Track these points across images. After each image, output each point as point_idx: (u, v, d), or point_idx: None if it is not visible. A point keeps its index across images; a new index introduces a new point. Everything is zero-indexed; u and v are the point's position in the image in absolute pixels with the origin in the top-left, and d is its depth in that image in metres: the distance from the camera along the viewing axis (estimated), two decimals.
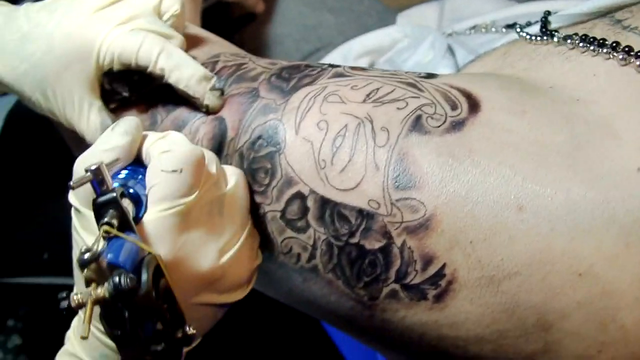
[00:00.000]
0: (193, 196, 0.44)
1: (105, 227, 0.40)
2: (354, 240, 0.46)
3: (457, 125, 0.46)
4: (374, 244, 0.46)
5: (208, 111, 0.53)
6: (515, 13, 0.82)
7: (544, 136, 0.44)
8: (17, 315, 0.91)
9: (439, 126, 0.46)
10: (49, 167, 0.80)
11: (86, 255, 0.37)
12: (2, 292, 0.87)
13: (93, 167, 0.41)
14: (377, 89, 0.49)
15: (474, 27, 0.84)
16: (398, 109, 0.47)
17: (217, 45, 0.61)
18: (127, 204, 0.43)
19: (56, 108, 0.54)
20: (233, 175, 0.49)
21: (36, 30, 0.53)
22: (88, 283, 0.38)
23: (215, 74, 0.55)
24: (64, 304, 0.37)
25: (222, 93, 0.53)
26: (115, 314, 0.39)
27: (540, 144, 0.44)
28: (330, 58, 0.90)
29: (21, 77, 0.54)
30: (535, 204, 0.42)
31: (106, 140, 0.46)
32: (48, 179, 0.79)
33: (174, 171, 0.44)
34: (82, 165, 0.45)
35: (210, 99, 0.53)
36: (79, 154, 0.64)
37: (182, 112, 0.54)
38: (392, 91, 0.49)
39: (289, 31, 0.95)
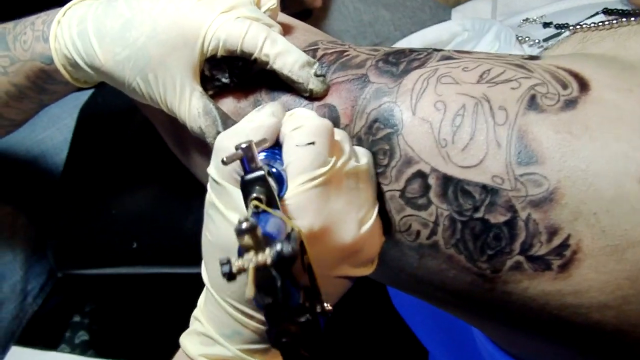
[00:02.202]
0: (329, 165, 0.46)
1: (255, 202, 0.41)
2: (478, 214, 0.48)
3: (571, 104, 0.47)
4: (498, 217, 0.47)
5: (312, 96, 0.55)
6: (563, 7, 0.84)
7: None
8: (82, 312, 0.92)
9: (553, 105, 0.48)
10: (126, 162, 0.82)
11: (244, 225, 0.38)
12: (69, 288, 0.88)
13: (244, 145, 0.42)
14: (489, 70, 0.51)
15: (526, 20, 0.86)
16: (512, 88, 0.49)
17: (313, 34, 0.62)
18: (271, 182, 0.44)
19: (157, 93, 0.55)
20: (365, 155, 0.51)
21: (140, 16, 0.54)
22: (246, 250, 0.39)
23: (317, 61, 0.56)
24: (226, 268, 0.38)
25: (325, 78, 0.55)
26: (267, 283, 0.40)
27: None
28: None
29: (123, 63, 0.55)
30: None
31: (253, 119, 0.48)
32: (128, 171, 0.81)
33: (308, 144, 0.46)
34: (226, 140, 0.46)
35: (314, 84, 0.54)
36: (176, 146, 0.66)
37: (287, 99, 0.56)
38: (503, 72, 0.50)
39: (346, 27, 0.96)
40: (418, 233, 0.50)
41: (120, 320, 0.94)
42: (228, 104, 0.58)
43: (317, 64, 0.55)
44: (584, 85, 0.48)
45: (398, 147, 0.50)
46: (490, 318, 0.55)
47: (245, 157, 0.43)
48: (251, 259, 0.38)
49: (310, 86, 0.54)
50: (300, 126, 0.47)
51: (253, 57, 0.54)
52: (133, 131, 0.79)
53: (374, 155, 0.51)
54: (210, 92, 0.58)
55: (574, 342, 0.50)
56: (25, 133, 0.88)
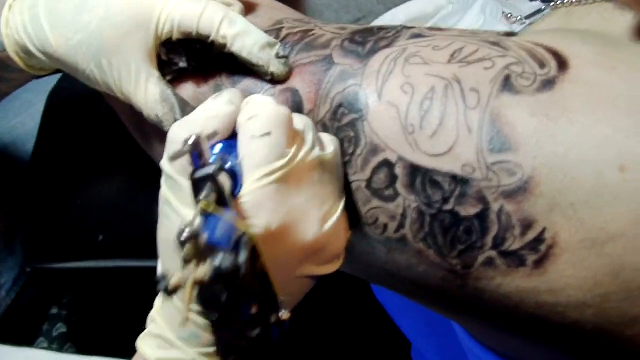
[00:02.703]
0: (288, 157, 0.43)
1: (203, 204, 0.38)
2: (448, 207, 0.45)
3: (548, 84, 0.44)
4: (469, 210, 0.44)
5: (273, 79, 0.51)
6: None
7: (639, 93, 0.42)
8: (60, 304, 0.90)
9: (529, 85, 0.44)
10: (96, 147, 0.79)
11: (185, 233, 0.35)
12: (45, 281, 0.86)
13: (193, 139, 0.39)
14: (461, 48, 0.47)
15: None
16: (485, 68, 0.45)
17: (279, 11, 0.59)
18: (225, 179, 0.41)
19: (112, 80, 0.52)
20: (331, 143, 0.47)
21: None
22: (186, 261, 0.37)
23: (280, 41, 0.53)
24: (162, 285, 0.35)
25: (288, 60, 0.51)
26: (212, 296, 0.37)
27: (637, 100, 0.42)
28: None
29: (76, 48, 0.51)
30: (638, 164, 0.41)
31: (209, 108, 0.45)
32: (96, 160, 0.78)
33: (264, 135, 0.43)
34: (180, 131, 0.43)
35: (275, 66, 0.50)
36: (138, 134, 0.62)
37: (249, 84, 0.52)
38: (477, 50, 0.47)
39: (328, 1, 0.93)
40: (385, 226, 0.47)
41: (99, 312, 0.92)
42: (187, 89, 0.54)
43: (279, 44, 0.52)
44: (563, 64, 0.45)
45: (363, 134, 0.47)
46: (465, 314, 0.52)
47: (195, 151, 0.39)
48: (189, 275, 0.35)
49: (271, 69, 0.50)
50: (255, 115, 0.44)
51: (210, 40, 0.50)
52: (102, 117, 0.76)
53: (340, 143, 0.48)
54: (169, 78, 0.54)
55: (553, 341, 0.47)
56: None
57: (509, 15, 0.74)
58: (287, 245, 0.43)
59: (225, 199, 0.39)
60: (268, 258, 0.40)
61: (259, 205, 0.42)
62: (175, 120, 0.51)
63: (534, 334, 0.47)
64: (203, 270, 0.35)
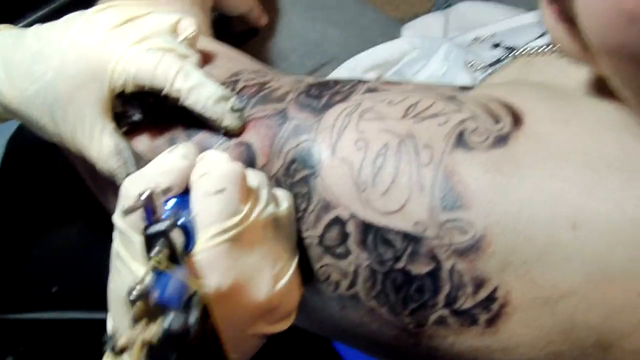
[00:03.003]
0: (241, 215, 0.42)
1: (154, 261, 0.37)
2: (400, 265, 0.44)
3: (502, 140, 0.44)
4: (421, 268, 0.43)
5: (228, 133, 0.50)
6: (514, 25, 0.81)
7: (593, 148, 0.42)
8: (16, 352, 0.88)
9: (483, 141, 0.44)
10: (54, 195, 0.77)
11: (135, 291, 0.34)
12: (4, 329, 0.84)
13: (146, 194, 0.39)
14: (416, 103, 0.47)
15: (476, 39, 0.82)
16: (439, 124, 0.45)
17: (237, 62, 0.58)
18: (177, 235, 0.40)
19: (65, 132, 0.51)
20: (285, 199, 0.46)
21: (48, 48, 0.50)
22: (135, 320, 0.36)
23: (237, 94, 0.52)
24: (109, 345, 0.34)
25: (242, 114, 0.51)
26: (161, 356, 0.36)
27: (590, 155, 0.42)
28: (336, 73, 0.88)
29: (31, 99, 0.51)
30: (590, 222, 0.40)
31: (162, 162, 0.44)
32: (53, 209, 0.77)
33: (217, 192, 0.42)
34: (132, 186, 0.42)
35: (229, 120, 0.50)
36: (93, 185, 0.61)
37: (204, 137, 0.52)
38: (432, 105, 0.47)
39: (293, 46, 0.92)
40: (337, 283, 0.47)
41: None
42: (143, 142, 0.54)
43: (234, 97, 0.51)
44: (517, 118, 0.45)
45: (316, 191, 0.46)
46: None
47: (148, 206, 0.39)
48: (137, 335, 0.35)
49: (225, 122, 0.50)
50: (207, 172, 0.43)
51: (164, 93, 0.50)
52: (59, 166, 0.75)
53: (294, 198, 0.47)
54: (124, 129, 0.53)
55: None
56: None
57: (472, 63, 0.74)
58: (239, 305, 0.42)
59: (177, 256, 0.38)
60: (219, 318, 0.39)
61: (211, 264, 0.41)
62: (128, 173, 0.50)
63: None
64: (152, 331, 0.34)
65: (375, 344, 0.49)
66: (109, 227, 0.44)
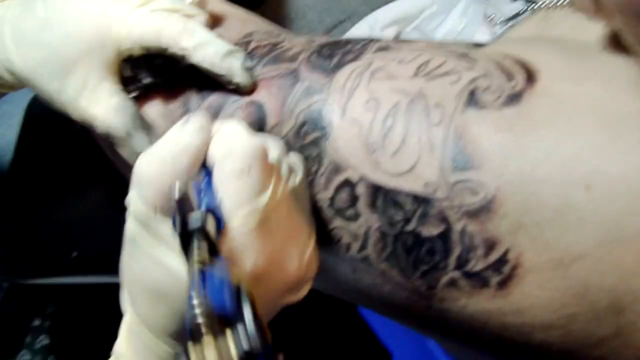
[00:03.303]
0: (268, 195, 0.40)
1: (199, 261, 0.35)
2: (410, 227, 0.43)
3: (515, 98, 0.43)
4: (431, 230, 0.43)
5: (239, 90, 0.50)
6: None
7: (611, 105, 0.41)
8: (43, 315, 0.89)
9: (495, 100, 0.43)
10: (72, 162, 0.78)
11: (197, 311, 0.31)
12: (28, 292, 0.86)
13: (180, 192, 0.37)
14: (427, 61, 0.46)
15: None
16: (451, 83, 0.44)
17: (249, 23, 0.57)
18: (211, 225, 0.38)
19: (69, 99, 0.50)
20: (300, 167, 0.45)
21: (54, 15, 0.50)
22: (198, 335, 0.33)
23: (249, 54, 0.52)
24: None
25: (253, 70, 0.50)
26: None
27: (605, 114, 0.41)
28: (356, 29, 0.86)
29: (39, 67, 0.50)
30: (604, 183, 0.39)
31: (178, 140, 0.41)
32: (72, 175, 0.77)
33: (242, 172, 0.40)
34: (147, 166, 0.40)
35: (239, 76, 0.49)
36: (107, 149, 0.61)
37: (216, 97, 0.51)
38: (443, 63, 0.46)
39: (312, 3, 0.91)
40: (349, 246, 0.46)
41: (81, 324, 0.91)
42: (155, 107, 0.53)
43: (243, 52, 0.50)
44: (531, 76, 0.44)
45: (326, 153, 0.46)
46: (434, 333, 0.51)
47: (181, 204, 0.37)
48: (211, 353, 0.32)
49: (236, 79, 0.49)
50: (230, 152, 0.41)
51: (170, 52, 0.49)
52: (78, 130, 0.75)
53: (305, 161, 0.47)
54: (135, 94, 0.53)
55: None
56: None
57: (491, 17, 0.72)
58: (272, 283, 0.41)
59: (215, 249, 0.37)
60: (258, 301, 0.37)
61: (245, 247, 0.39)
62: (128, 132, 0.50)
63: (500, 353, 0.46)
64: (227, 349, 0.32)
65: (388, 306, 0.49)
66: (124, 193, 0.43)
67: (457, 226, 0.42)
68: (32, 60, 0.50)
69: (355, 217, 0.45)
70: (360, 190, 0.44)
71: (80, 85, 0.50)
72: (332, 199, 0.46)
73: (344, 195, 0.45)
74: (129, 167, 0.54)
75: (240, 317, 0.33)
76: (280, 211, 0.42)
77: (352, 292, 0.51)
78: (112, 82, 0.51)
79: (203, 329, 0.32)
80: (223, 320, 0.32)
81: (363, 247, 0.46)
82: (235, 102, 0.50)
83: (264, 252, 0.40)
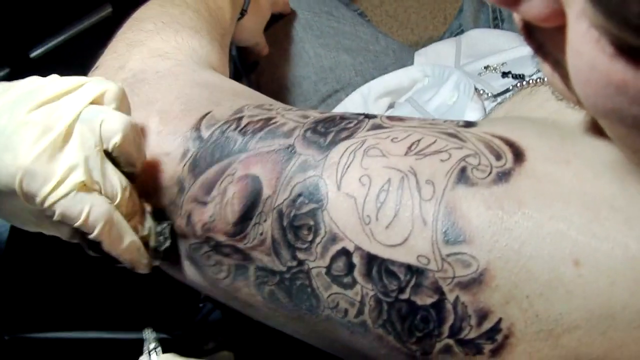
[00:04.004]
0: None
1: None
2: (404, 296, 0.45)
3: (504, 176, 0.45)
4: (425, 299, 0.45)
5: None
6: (525, 53, 0.82)
7: (593, 189, 0.43)
8: None
9: (485, 177, 0.45)
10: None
11: None
12: (27, 349, 0.86)
13: None
14: (418, 140, 0.48)
15: (487, 67, 0.84)
16: (442, 160, 0.46)
17: (241, 97, 0.60)
18: None
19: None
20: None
21: None
22: None
23: (241, 130, 0.53)
24: None
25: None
26: None
27: (590, 196, 0.43)
28: (349, 99, 0.89)
29: None
30: (592, 259, 0.41)
31: None
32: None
33: None
34: None
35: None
36: None
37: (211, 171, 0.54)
38: (434, 142, 0.48)
39: (306, 73, 0.94)
40: (346, 311, 0.48)
41: None
42: (157, 185, 0.56)
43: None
44: (519, 156, 0.46)
45: (323, 223, 0.47)
46: None
47: None
48: None
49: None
50: None
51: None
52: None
53: (298, 230, 0.48)
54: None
55: None
56: None
57: (482, 92, 0.76)
58: None
59: None
60: None
61: None
62: None
63: None
64: None
65: None
66: None
67: (451, 296, 0.44)
68: None
69: (352, 284, 0.47)
70: (356, 259, 0.46)
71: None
72: (329, 267, 0.47)
73: (340, 263, 0.47)
74: None
75: None
76: None
77: (347, 351, 0.52)
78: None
79: None
80: None
81: (360, 312, 0.47)
82: (229, 176, 0.52)
83: None
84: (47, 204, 0.47)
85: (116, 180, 0.50)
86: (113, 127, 0.49)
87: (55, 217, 0.47)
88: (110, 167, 0.50)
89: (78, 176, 0.47)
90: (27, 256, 0.80)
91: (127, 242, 0.50)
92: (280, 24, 0.97)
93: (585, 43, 0.32)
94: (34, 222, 0.52)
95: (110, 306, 0.72)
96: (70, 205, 0.47)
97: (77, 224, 0.48)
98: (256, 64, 0.96)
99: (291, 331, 0.56)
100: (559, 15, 0.33)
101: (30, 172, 0.46)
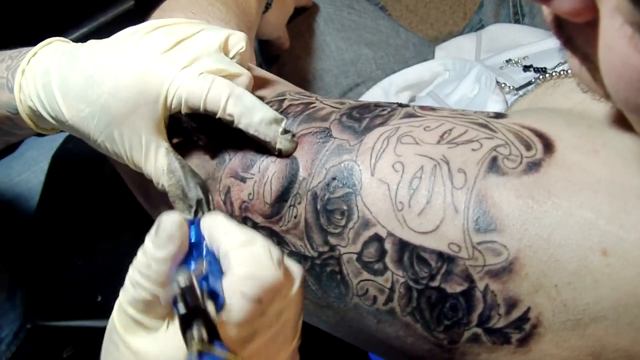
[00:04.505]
0: (264, 319, 0.43)
1: (198, 346, 0.38)
2: (434, 283, 0.46)
3: (534, 166, 0.45)
4: (455, 287, 0.45)
5: (280, 154, 0.52)
6: (546, 47, 0.82)
7: (621, 178, 0.44)
8: (60, 357, 0.90)
9: (515, 167, 0.46)
10: (98, 209, 0.80)
11: None
12: (47, 334, 0.87)
13: (183, 283, 0.40)
14: (450, 129, 0.49)
15: (508, 61, 0.84)
16: (473, 150, 0.47)
17: (281, 84, 0.61)
18: (211, 308, 0.41)
19: (123, 151, 0.54)
20: (298, 275, 0.46)
21: (101, 71, 0.52)
22: None
23: (282, 112, 0.55)
24: None
25: (294, 136, 0.53)
26: None
27: (619, 186, 0.44)
28: (370, 93, 0.90)
29: (86, 120, 0.53)
30: (620, 249, 0.42)
31: (151, 257, 0.43)
32: (97, 220, 0.79)
33: (254, 301, 0.41)
34: (136, 280, 0.43)
35: (282, 143, 0.52)
36: (141, 196, 0.64)
37: (251, 151, 0.54)
38: (465, 132, 0.49)
39: (328, 66, 0.95)
40: (375, 298, 0.49)
41: None
42: (193, 158, 0.56)
43: (285, 120, 0.53)
44: (548, 146, 0.47)
45: (356, 208, 0.48)
46: None
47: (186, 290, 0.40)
48: None
49: (279, 145, 0.52)
50: (251, 277, 0.42)
51: (217, 117, 0.52)
52: (104, 179, 0.78)
53: (331, 214, 0.49)
54: (177, 141, 0.56)
55: None
56: (1, 176, 0.87)
57: (503, 85, 0.76)
58: None
59: (216, 331, 0.40)
60: None
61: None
62: (182, 193, 0.52)
63: None
64: None
65: (409, 357, 0.51)
66: None
67: (481, 284, 0.44)
68: (80, 112, 0.53)
69: (383, 271, 0.47)
70: (388, 245, 0.47)
71: (132, 141, 0.53)
72: (360, 252, 0.48)
73: (372, 249, 0.48)
74: (159, 211, 0.57)
75: None
76: (268, 326, 0.44)
77: (372, 342, 0.53)
78: (161, 138, 0.53)
79: None
80: None
81: (389, 300, 0.48)
82: (269, 156, 0.53)
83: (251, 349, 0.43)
84: None
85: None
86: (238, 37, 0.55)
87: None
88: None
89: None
90: (50, 244, 0.81)
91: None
92: (302, 18, 0.97)
93: (619, 39, 0.32)
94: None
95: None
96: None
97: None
98: (277, 57, 0.97)
99: (317, 321, 0.57)
100: (591, 10, 0.34)
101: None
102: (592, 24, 0.34)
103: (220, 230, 0.45)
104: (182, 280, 0.40)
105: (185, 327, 0.39)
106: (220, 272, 0.43)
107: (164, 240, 0.43)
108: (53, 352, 0.88)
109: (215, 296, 0.41)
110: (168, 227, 0.43)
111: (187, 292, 0.39)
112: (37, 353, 0.88)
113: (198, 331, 0.39)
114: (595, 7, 0.33)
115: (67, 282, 0.79)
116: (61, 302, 0.80)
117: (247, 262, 0.42)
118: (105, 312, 0.79)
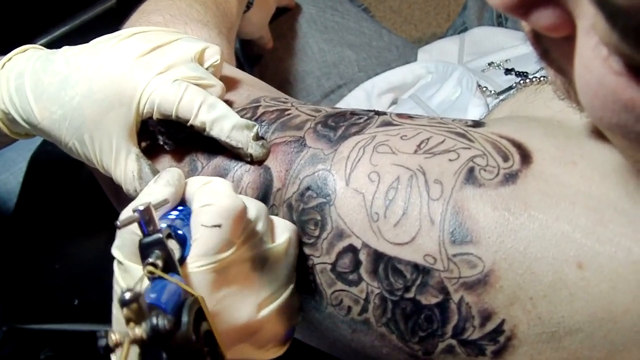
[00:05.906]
0: (230, 251, 0.43)
1: (149, 268, 0.39)
2: (409, 295, 0.46)
3: (511, 178, 0.45)
4: (430, 299, 0.45)
5: (252, 161, 0.52)
6: (528, 50, 0.82)
7: (598, 191, 0.44)
8: (38, 359, 0.90)
9: (492, 178, 0.45)
10: (76, 210, 0.79)
11: (127, 295, 0.35)
12: (25, 336, 0.86)
13: (141, 207, 0.40)
14: (428, 139, 0.49)
15: (490, 64, 0.84)
16: (450, 160, 0.47)
17: (257, 89, 0.60)
18: (173, 245, 0.42)
19: (93, 154, 0.53)
20: (285, 232, 0.47)
21: (76, 74, 0.52)
22: (127, 322, 0.37)
23: (257, 119, 0.54)
24: (102, 342, 0.35)
25: (266, 142, 0.52)
26: (153, 356, 0.38)
27: (596, 199, 0.43)
28: (353, 95, 0.90)
29: (58, 122, 0.53)
30: (595, 262, 0.42)
31: (149, 192, 0.46)
32: (75, 223, 0.79)
33: (214, 226, 0.43)
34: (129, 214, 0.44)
35: (253, 148, 0.51)
36: (115, 201, 0.63)
37: (223, 160, 0.53)
38: (443, 142, 0.48)
39: (310, 68, 0.94)
40: (349, 308, 0.48)
41: None
42: (164, 163, 0.56)
43: (257, 126, 0.52)
44: (526, 157, 0.46)
45: (330, 219, 0.48)
46: None
47: (143, 219, 0.41)
48: (127, 333, 0.36)
49: (250, 151, 0.51)
50: (208, 204, 0.44)
51: (189, 124, 0.52)
52: (82, 181, 0.77)
53: (305, 224, 0.49)
54: (145, 144, 0.56)
55: None
56: None
57: (484, 89, 0.76)
58: (219, 326, 0.43)
59: (173, 264, 0.41)
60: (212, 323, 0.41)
61: (196, 288, 0.42)
62: None
63: None
64: (141, 330, 0.35)
65: None
66: None
67: (455, 296, 0.44)
68: (52, 115, 0.53)
69: (357, 281, 0.47)
70: (363, 256, 0.46)
71: (102, 144, 0.52)
72: (334, 263, 0.48)
73: (346, 260, 0.47)
74: None
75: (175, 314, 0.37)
76: (241, 268, 0.44)
77: (348, 352, 0.52)
78: (132, 143, 0.53)
79: (126, 313, 0.35)
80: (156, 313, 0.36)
81: (363, 310, 0.47)
82: (242, 165, 0.52)
83: (212, 298, 0.43)
84: None
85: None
86: (214, 50, 0.56)
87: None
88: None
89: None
90: (28, 247, 0.80)
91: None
92: (284, 18, 0.97)
93: (594, 58, 0.32)
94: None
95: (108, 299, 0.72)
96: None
97: None
98: (259, 58, 0.96)
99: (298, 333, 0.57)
100: (569, 25, 0.33)
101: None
102: (569, 40, 0.34)
103: (189, 182, 0.48)
104: (142, 207, 0.41)
105: (144, 257, 0.41)
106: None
107: (162, 185, 0.46)
108: (31, 354, 0.87)
109: (185, 243, 0.44)
110: (168, 175, 0.47)
111: (145, 218, 0.41)
112: (14, 355, 0.87)
113: (154, 257, 0.40)
114: (573, 23, 0.33)
115: (44, 285, 0.78)
116: (38, 305, 0.79)
117: (204, 195, 0.45)
118: (81, 315, 0.79)
